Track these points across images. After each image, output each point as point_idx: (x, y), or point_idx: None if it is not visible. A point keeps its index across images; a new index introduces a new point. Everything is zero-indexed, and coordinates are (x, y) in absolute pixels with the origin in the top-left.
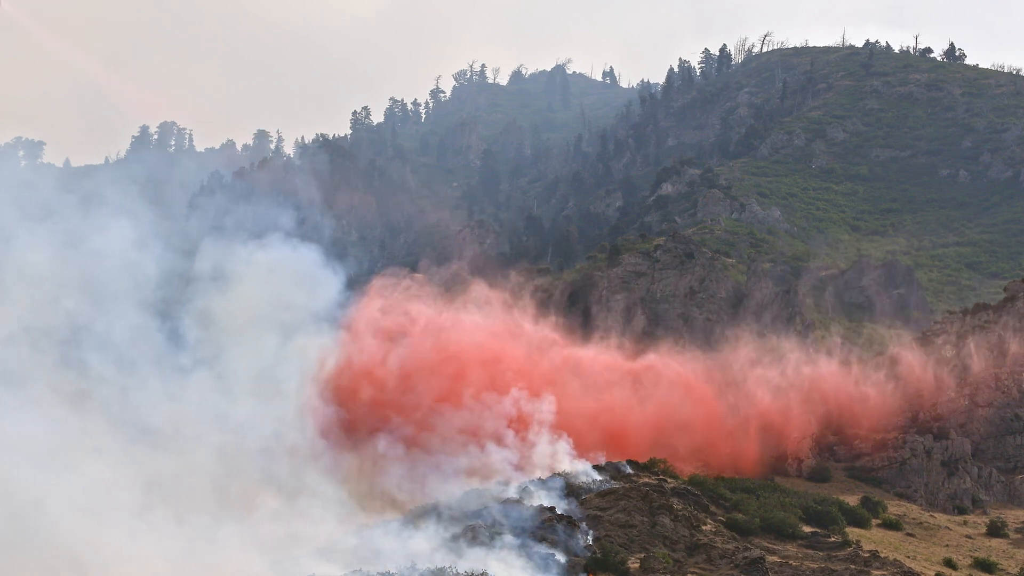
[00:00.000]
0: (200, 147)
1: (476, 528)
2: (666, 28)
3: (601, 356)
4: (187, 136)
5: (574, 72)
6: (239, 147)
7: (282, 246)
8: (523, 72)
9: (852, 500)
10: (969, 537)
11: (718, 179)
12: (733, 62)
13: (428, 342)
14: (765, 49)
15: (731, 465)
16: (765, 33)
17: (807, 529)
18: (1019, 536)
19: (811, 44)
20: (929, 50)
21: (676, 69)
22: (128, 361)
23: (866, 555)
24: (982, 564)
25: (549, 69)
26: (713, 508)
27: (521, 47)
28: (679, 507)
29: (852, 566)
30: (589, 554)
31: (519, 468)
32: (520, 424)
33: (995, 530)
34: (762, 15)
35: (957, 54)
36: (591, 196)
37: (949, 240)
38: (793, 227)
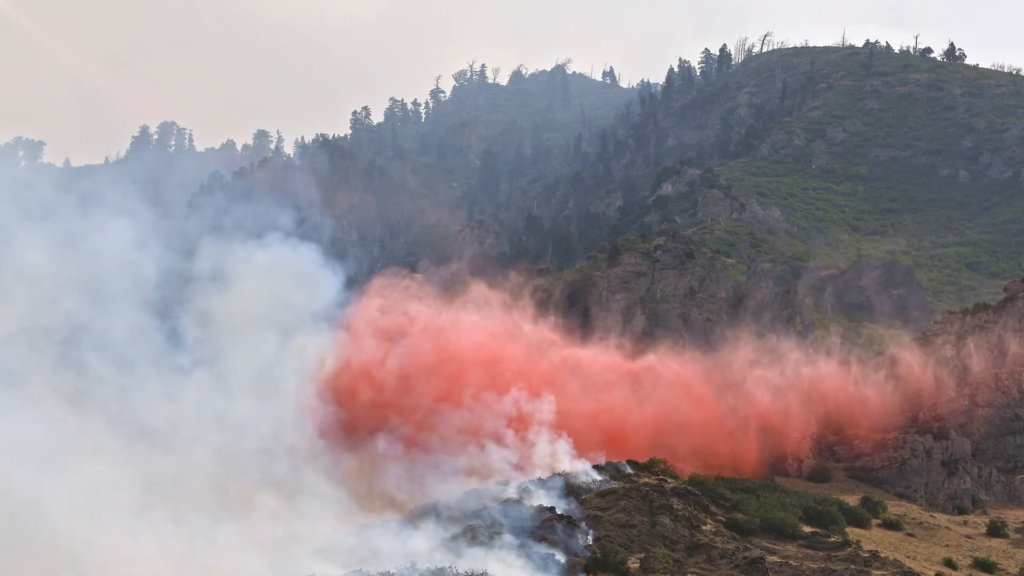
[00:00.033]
0: (200, 147)
1: (475, 528)
2: (666, 28)
3: (600, 357)
4: (187, 136)
5: (574, 72)
6: (239, 147)
7: (281, 246)
8: (523, 72)
9: (852, 500)
10: (969, 537)
11: (718, 179)
12: (733, 62)
13: (427, 343)
14: (765, 49)
15: (730, 466)
16: (765, 33)
17: (807, 529)
18: (1019, 536)
19: (811, 44)
20: (929, 50)
21: (676, 69)
22: (127, 361)
23: (866, 555)
24: (982, 564)
25: (549, 69)
26: (713, 508)
27: (521, 47)
28: (679, 507)
29: (852, 566)
30: (589, 554)
31: (519, 468)
32: (520, 424)
33: (995, 530)
34: (762, 15)
35: (957, 54)
36: (591, 196)
37: (949, 240)
38: (793, 227)
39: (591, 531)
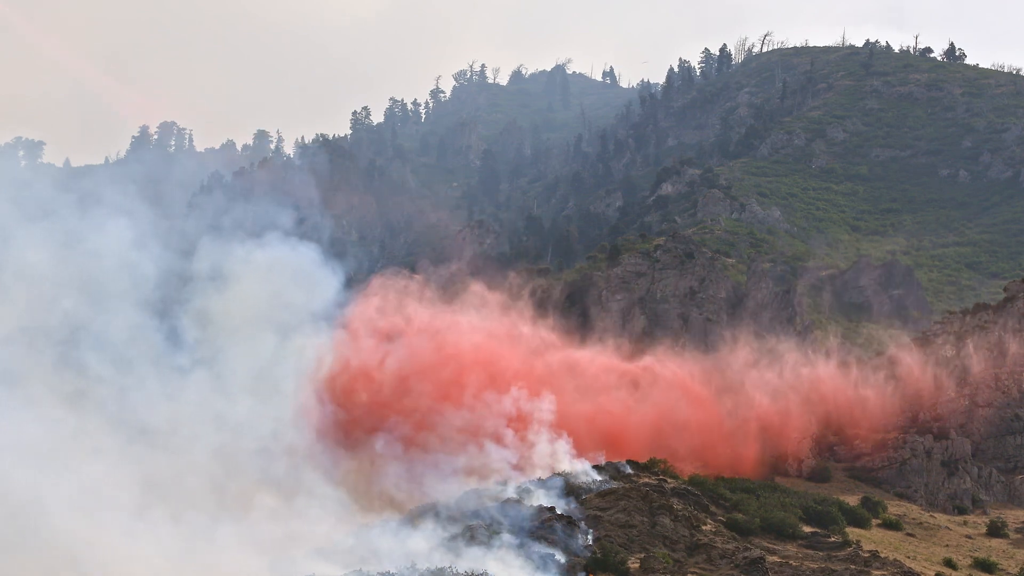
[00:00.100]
0: (200, 147)
1: (475, 528)
2: (666, 28)
3: (599, 358)
4: (187, 136)
5: (574, 72)
6: (239, 147)
7: (281, 245)
8: (523, 72)
9: (852, 500)
10: (969, 537)
11: (718, 179)
12: (733, 62)
13: (425, 344)
14: (765, 49)
15: (730, 467)
16: (765, 33)
17: (807, 529)
18: (1019, 536)
19: (811, 44)
20: (929, 50)
21: (676, 69)
22: (126, 361)
23: (866, 555)
24: (982, 564)
25: (549, 69)
26: (713, 508)
27: (521, 47)
28: (679, 507)
29: (852, 566)
30: (589, 554)
31: (518, 468)
32: (520, 423)
33: (995, 530)
34: (762, 15)
35: (957, 54)
36: (591, 196)
37: (949, 240)
38: (793, 227)
39: (591, 531)
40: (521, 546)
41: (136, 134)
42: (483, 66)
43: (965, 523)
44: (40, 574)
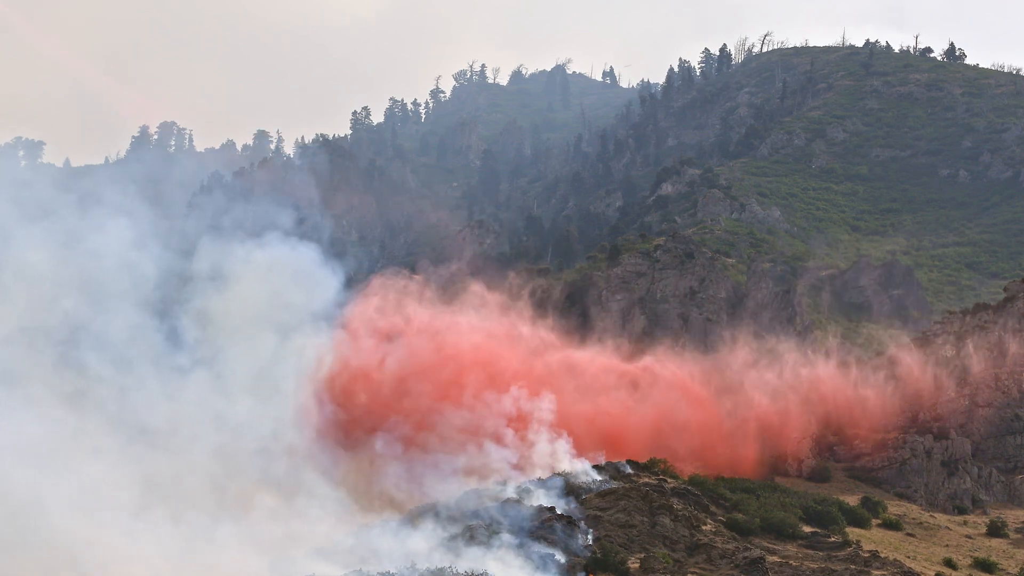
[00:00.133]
0: (200, 147)
1: (474, 528)
2: (666, 28)
3: (598, 358)
4: (187, 136)
5: (574, 72)
6: (239, 147)
7: (280, 245)
8: (523, 72)
9: (852, 500)
10: (969, 537)
11: (718, 179)
12: (733, 62)
13: (424, 344)
14: (765, 49)
15: (729, 467)
16: (765, 33)
17: (807, 529)
18: (1019, 536)
19: (811, 44)
20: (929, 50)
21: (676, 69)
22: (126, 361)
23: (866, 555)
24: (982, 564)
25: (549, 69)
26: (713, 508)
27: (521, 47)
28: (679, 507)
29: (852, 566)
30: (589, 554)
31: (518, 468)
32: (519, 423)
33: (995, 530)
34: (762, 15)
35: (957, 54)
36: (591, 196)
37: (949, 240)
38: (793, 227)
39: (591, 531)
40: (521, 546)
41: (136, 134)
42: (483, 66)
43: (965, 523)
44: (40, 574)
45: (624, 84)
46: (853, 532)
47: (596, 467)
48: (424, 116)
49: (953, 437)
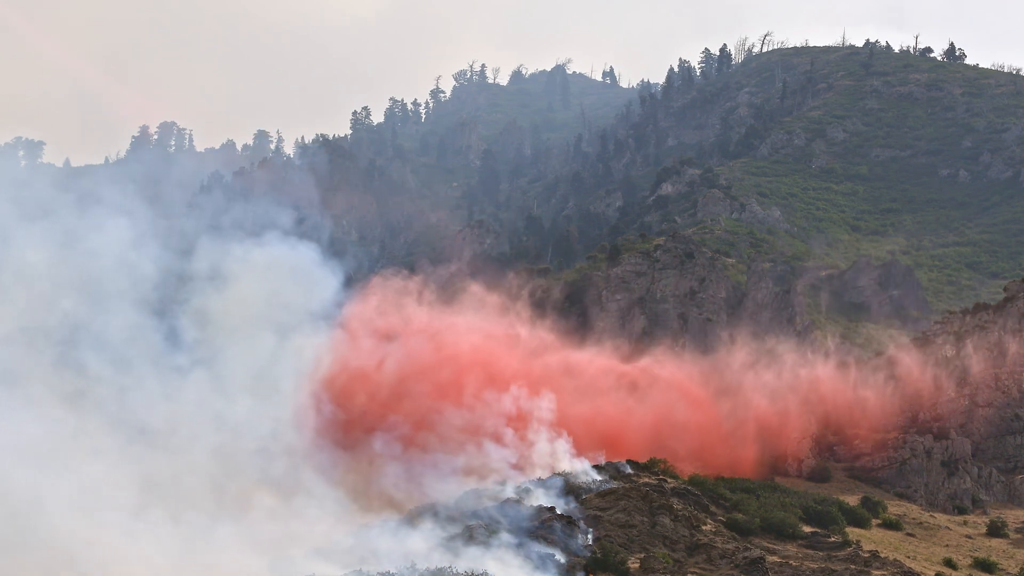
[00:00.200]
0: (200, 147)
1: (474, 528)
2: (666, 28)
3: (597, 359)
4: (187, 136)
5: (574, 72)
6: (239, 147)
7: (279, 245)
8: (523, 72)
9: (852, 500)
10: (969, 537)
11: (718, 179)
12: (733, 62)
13: (422, 345)
14: (765, 49)
15: (729, 468)
16: (765, 33)
17: (807, 529)
18: (1019, 536)
19: (811, 44)
20: (929, 50)
21: (676, 69)
22: (125, 361)
23: (866, 555)
24: (982, 564)
25: (549, 69)
26: (713, 508)
27: (521, 47)
28: (679, 507)
29: (852, 566)
30: (589, 554)
31: (518, 467)
32: (519, 422)
33: (995, 530)
34: (762, 15)
35: (957, 54)
36: (591, 196)
37: (949, 240)
38: (793, 227)
39: (591, 531)
40: (520, 546)
41: (136, 134)
42: (483, 66)
43: (965, 523)
44: (40, 574)
45: (624, 84)
46: (853, 532)
47: (596, 467)
48: (424, 116)
49: (953, 437)
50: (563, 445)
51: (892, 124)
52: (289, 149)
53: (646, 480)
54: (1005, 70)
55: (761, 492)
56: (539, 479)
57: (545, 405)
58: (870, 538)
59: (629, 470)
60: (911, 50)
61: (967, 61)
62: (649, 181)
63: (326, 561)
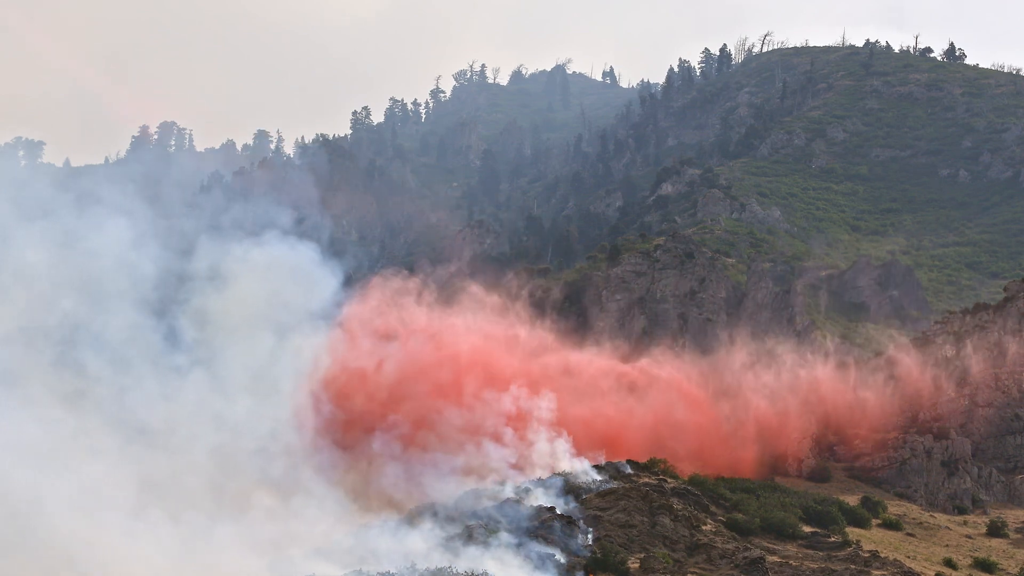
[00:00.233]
0: (200, 147)
1: (473, 528)
2: (666, 28)
3: (596, 360)
4: (187, 136)
5: (574, 72)
6: (239, 147)
7: (279, 244)
8: (523, 72)
9: (852, 500)
10: (969, 537)
11: (718, 179)
12: (733, 62)
13: (421, 345)
14: (765, 49)
15: (728, 469)
16: (765, 33)
17: (807, 529)
18: (1019, 536)
19: (811, 44)
20: (929, 50)
21: (676, 69)
22: (125, 361)
23: (866, 555)
24: (982, 564)
25: (549, 69)
26: (713, 508)
27: (521, 47)
28: (679, 507)
29: (852, 566)
30: (589, 554)
31: (518, 467)
32: (519, 422)
33: (995, 530)
34: (762, 15)
35: (957, 54)
36: (591, 196)
37: (949, 240)
38: (793, 227)
39: (591, 531)
40: (520, 546)
41: (136, 134)
42: (483, 66)
43: (965, 523)
44: (39, 574)
45: (624, 84)
46: (853, 532)
47: (596, 467)
48: (424, 116)
49: (953, 437)
50: (563, 445)
51: (892, 124)
52: (289, 149)
53: (646, 480)
54: (1005, 70)
55: (761, 492)
56: (539, 479)
57: (545, 405)
58: (870, 538)
59: (629, 470)
60: (911, 50)
61: (967, 61)
62: (649, 181)
63: (326, 561)
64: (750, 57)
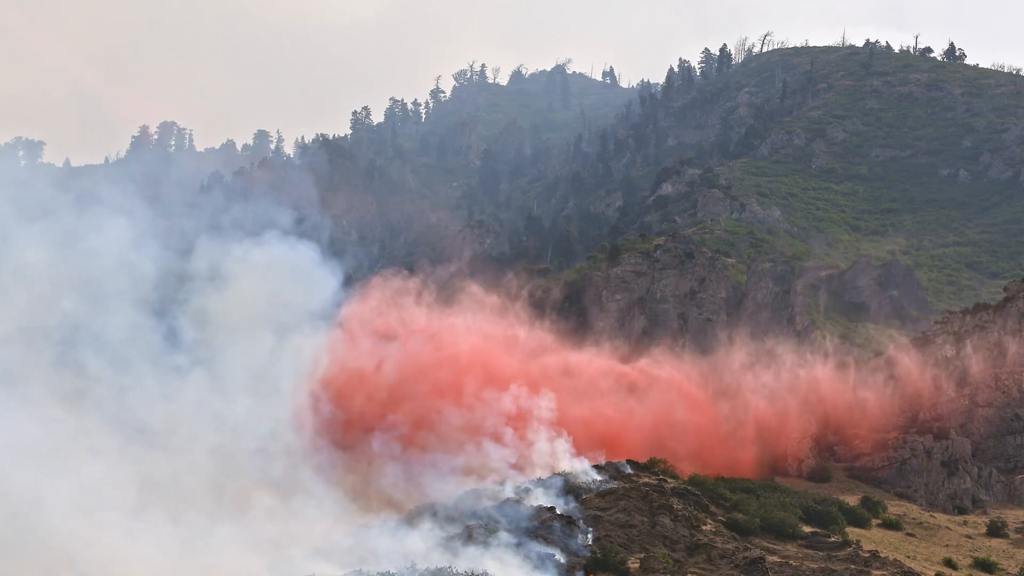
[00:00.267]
0: (200, 147)
1: (473, 528)
2: (666, 28)
3: (595, 361)
4: (187, 136)
5: (574, 72)
6: (239, 147)
7: (279, 244)
8: (523, 72)
9: (852, 500)
10: (969, 537)
11: (718, 179)
12: (733, 62)
13: (421, 345)
14: (765, 49)
15: (728, 470)
16: (765, 33)
17: (807, 529)
18: (1019, 536)
19: (811, 44)
20: (929, 50)
21: (676, 69)
22: (125, 361)
23: (866, 555)
24: (982, 564)
25: (549, 69)
26: (713, 508)
27: (521, 47)
28: (679, 507)
29: (852, 566)
30: (588, 554)
31: (517, 467)
32: (519, 422)
33: (995, 530)
34: (762, 15)
35: (957, 54)
36: (591, 196)
37: (949, 240)
38: (793, 227)
39: (591, 531)
40: (519, 546)
41: (136, 134)
42: (483, 66)
43: (965, 523)
44: (39, 574)
45: (624, 84)
46: (853, 532)
47: (596, 467)
48: (424, 116)
49: (953, 437)
50: (563, 445)
51: (892, 124)
52: (289, 149)
53: (646, 480)
54: (1005, 70)
55: (761, 492)
56: (539, 479)
57: (545, 404)
58: (870, 538)
59: (629, 470)
60: (911, 50)
61: (967, 61)
62: (649, 181)
63: (325, 561)
64: (750, 57)
